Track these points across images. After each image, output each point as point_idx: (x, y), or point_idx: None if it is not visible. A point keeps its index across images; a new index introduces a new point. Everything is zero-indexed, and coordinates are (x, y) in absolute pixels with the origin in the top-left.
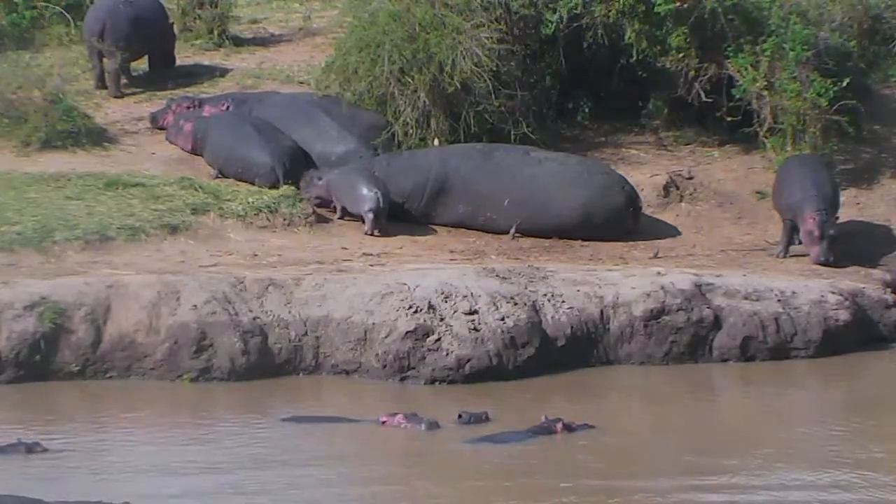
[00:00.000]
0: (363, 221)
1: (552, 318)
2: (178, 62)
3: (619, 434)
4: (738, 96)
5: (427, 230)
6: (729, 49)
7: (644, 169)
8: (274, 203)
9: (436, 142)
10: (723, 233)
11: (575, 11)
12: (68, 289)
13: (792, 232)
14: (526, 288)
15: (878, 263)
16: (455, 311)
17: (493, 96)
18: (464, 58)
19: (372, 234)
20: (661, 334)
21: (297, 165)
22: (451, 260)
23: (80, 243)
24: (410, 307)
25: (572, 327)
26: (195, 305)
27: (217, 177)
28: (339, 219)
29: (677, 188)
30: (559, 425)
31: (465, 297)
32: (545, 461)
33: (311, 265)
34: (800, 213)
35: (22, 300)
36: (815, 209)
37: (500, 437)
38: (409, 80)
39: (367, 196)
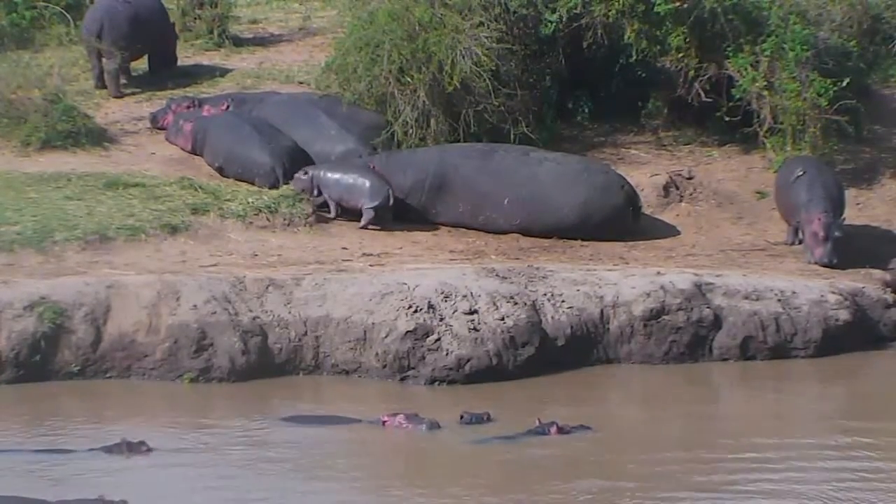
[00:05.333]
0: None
1: (552, 317)
2: (179, 62)
3: (618, 434)
4: (738, 96)
5: (427, 230)
6: (729, 49)
7: (644, 169)
8: (274, 203)
9: None
10: (723, 233)
11: (574, 11)
12: (68, 289)
13: (797, 233)
14: (526, 288)
15: (883, 264)
16: (455, 311)
17: (492, 96)
18: (463, 57)
19: (366, 228)
20: (660, 334)
21: (296, 165)
22: (451, 260)
23: (80, 243)
24: (410, 307)
25: (572, 327)
26: (195, 305)
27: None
28: (334, 217)
29: (677, 188)
30: (553, 428)
31: (465, 296)
32: (544, 462)
33: (311, 265)
34: (806, 214)
35: (22, 300)
36: (821, 210)
37: (497, 440)
38: (409, 79)
39: (377, 191)
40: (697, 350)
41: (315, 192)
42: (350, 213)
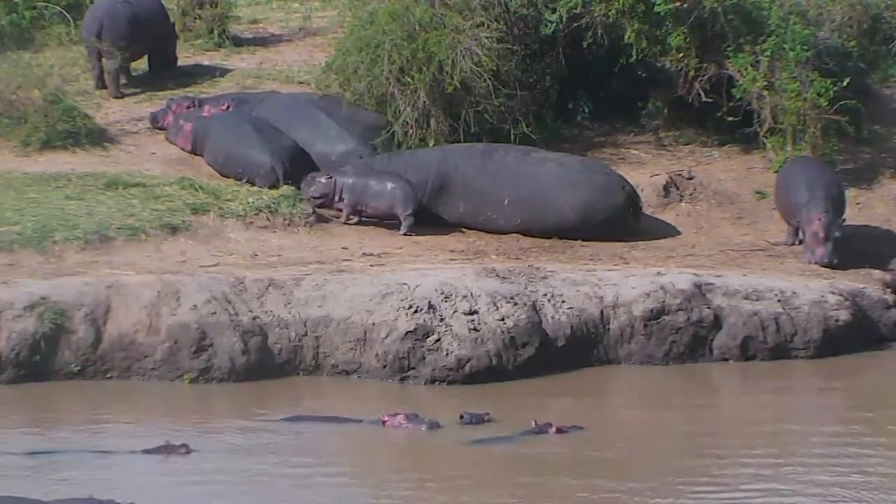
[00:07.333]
0: (396, 221)
1: (552, 318)
2: (179, 62)
3: (618, 434)
4: (738, 96)
5: (427, 230)
6: (729, 49)
7: (644, 169)
8: (274, 203)
9: None
10: (723, 233)
11: (575, 11)
12: (68, 289)
13: (797, 233)
14: (526, 288)
15: (883, 264)
16: (455, 311)
17: (492, 96)
18: (463, 57)
19: (407, 235)
20: (661, 334)
21: (297, 165)
22: (451, 260)
23: (80, 243)
24: (410, 307)
25: (572, 327)
26: (195, 305)
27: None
28: (344, 222)
29: (677, 188)
30: (552, 430)
31: (465, 297)
32: (543, 462)
33: (311, 265)
34: (806, 214)
35: (22, 300)
36: (822, 210)
37: (497, 440)
38: (409, 79)
39: (408, 197)
40: (697, 350)
41: (337, 198)
42: (363, 217)
